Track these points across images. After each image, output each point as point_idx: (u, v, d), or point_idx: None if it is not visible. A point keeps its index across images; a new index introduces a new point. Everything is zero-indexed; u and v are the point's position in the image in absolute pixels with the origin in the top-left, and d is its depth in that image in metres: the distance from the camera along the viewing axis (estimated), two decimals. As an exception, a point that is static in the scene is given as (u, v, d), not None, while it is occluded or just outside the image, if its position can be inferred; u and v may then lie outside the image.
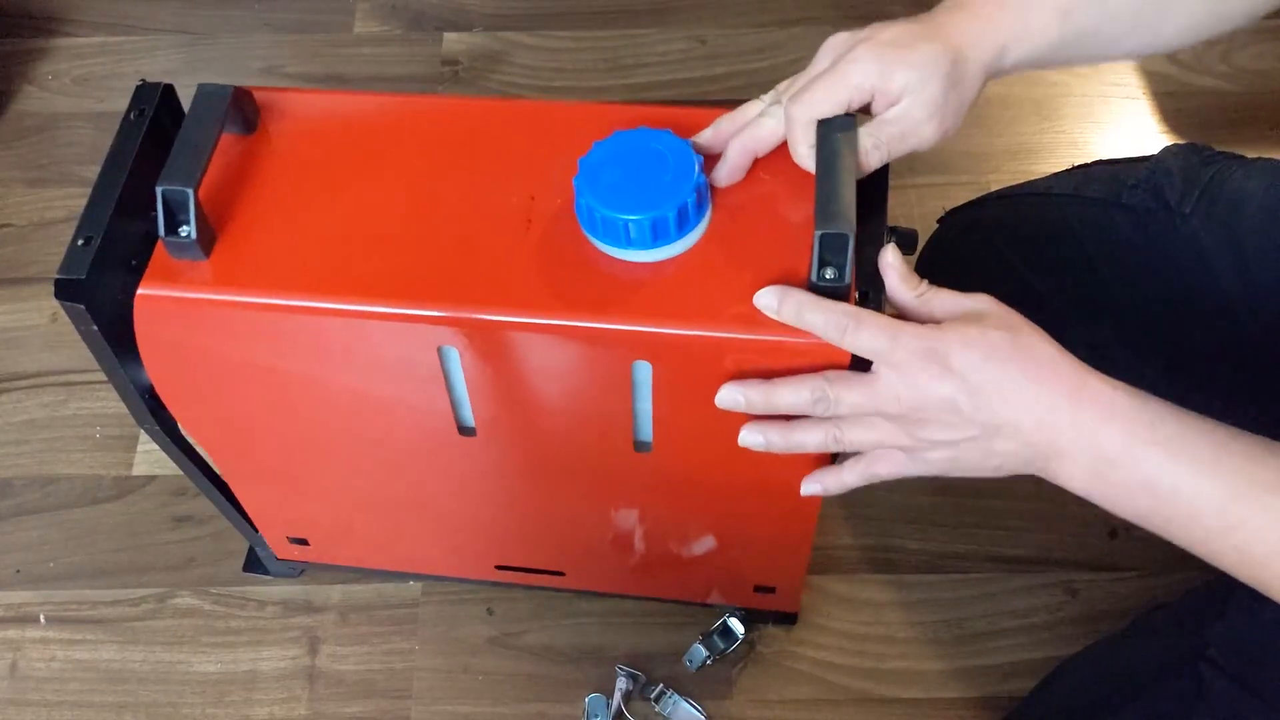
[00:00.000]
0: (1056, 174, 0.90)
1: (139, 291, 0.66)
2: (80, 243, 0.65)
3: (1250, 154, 0.81)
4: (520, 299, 0.64)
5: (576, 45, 1.41)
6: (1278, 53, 1.35)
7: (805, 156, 0.64)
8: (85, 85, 1.40)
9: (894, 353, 0.58)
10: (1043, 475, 0.61)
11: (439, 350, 0.67)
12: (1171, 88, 1.34)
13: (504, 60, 1.41)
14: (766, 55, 1.39)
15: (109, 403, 1.14)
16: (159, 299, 0.66)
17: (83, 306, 0.64)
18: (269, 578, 1.04)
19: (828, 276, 0.60)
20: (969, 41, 0.62)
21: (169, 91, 0.70)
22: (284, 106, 0.73)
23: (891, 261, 0.61)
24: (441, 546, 0.95)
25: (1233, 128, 1.30)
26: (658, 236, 0.63)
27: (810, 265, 0.61)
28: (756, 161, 0.67)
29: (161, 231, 0.64)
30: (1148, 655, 0.77)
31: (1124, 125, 1.32)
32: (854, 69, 0.62)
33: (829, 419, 0.62)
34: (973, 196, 0.94)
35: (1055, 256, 0.84)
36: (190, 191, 0.63)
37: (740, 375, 0.64)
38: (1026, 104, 1.33)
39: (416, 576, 1.03)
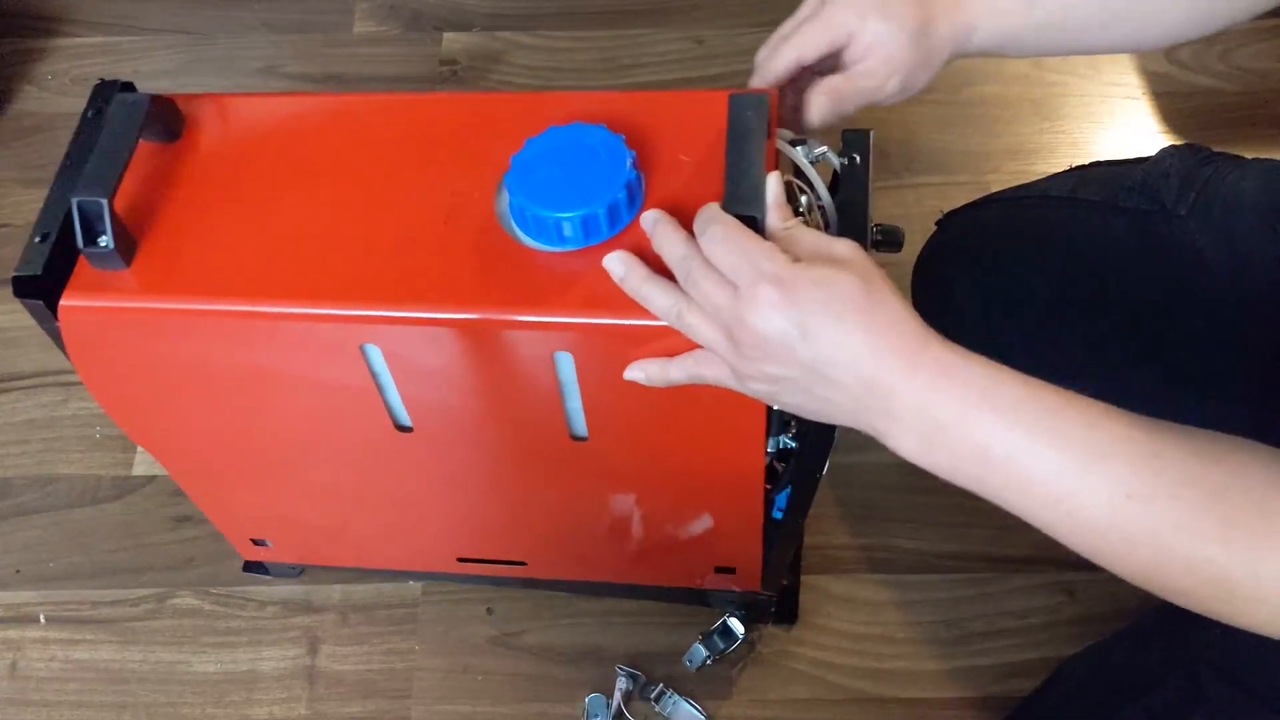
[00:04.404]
0: (1054, 176, 0.90)
1: (61, 303, 0.65)
2: (37, 239, 0.65)
3: (1249, 154, 0.81)
4: (432, 294, 0.63)
5: (575, 45, 1.41)
6: (1276, 52, 1.35)
7: (794, 103, 0.69)
8: (84, 85, 1.40)
9: (741, 272, 0.56)
10: (873, 434, 0.58)
11: (362, 348, 0.67)
12: (1171, 87, 1.34)
13: (502, 60, 1.41)
14: (766, 55, 1.39)
15: (109, 403, 1.14)
16: (82, 310, 0.65)
17: (42, 303, 0.64)
18: (269, 578, 1.04)
19: None
20: (940, 12, 0.68)
21: (127, 89, 0.70)
22: (211, 112, 0.72)
23: (770, 187, 0.60)
24: (398, 541, 0.95)
25: (1232, 127, 1.30)
26: (589, 234, 0.62)
27: None
28: (683, 146, 0.66)
29: (80, 243, 0.64)
30: (1146, 657, 0.78)
31: (1124, 125, 1.32)
32: (836, 13, 0.67)
33: (682, 296, 0.60)
34: (972, 196, 0.94)
35: (1052, 259, 0.84)
36: (105, 202, 0.62)
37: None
38: (1026, 104, 1.33)
39: (416, 576, 1.03)
